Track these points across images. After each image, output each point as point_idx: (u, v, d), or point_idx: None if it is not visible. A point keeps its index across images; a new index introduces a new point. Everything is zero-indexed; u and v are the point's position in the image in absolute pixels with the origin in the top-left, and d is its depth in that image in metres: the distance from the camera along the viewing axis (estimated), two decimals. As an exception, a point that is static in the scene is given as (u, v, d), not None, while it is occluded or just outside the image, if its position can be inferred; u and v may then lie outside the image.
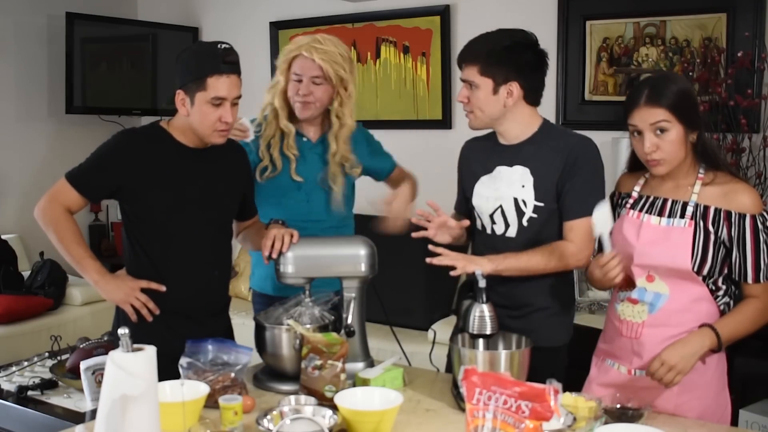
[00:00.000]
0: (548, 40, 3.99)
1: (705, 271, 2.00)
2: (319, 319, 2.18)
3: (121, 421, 1.57)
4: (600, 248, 2.10)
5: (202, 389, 1.88)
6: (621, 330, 2.09)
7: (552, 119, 3.91)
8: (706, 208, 2.00)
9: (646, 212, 2.07)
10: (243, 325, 3.02)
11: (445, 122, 4.55)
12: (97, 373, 2.16)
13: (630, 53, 3.93)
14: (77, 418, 2.23)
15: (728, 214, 1.98)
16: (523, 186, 2.21)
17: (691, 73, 3.57)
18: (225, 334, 2.38)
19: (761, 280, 1.99)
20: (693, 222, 2.00)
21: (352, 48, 4.76)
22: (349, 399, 1.84)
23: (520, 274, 2.17)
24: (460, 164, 2.41)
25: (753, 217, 1.97)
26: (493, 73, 2.15)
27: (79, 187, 2.26)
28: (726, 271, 2.03)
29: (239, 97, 2.22)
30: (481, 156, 2.32)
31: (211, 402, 1.90)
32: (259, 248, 2.30)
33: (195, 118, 2.20)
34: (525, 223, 2.22)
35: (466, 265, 2.10)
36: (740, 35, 3.57)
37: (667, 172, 2.04)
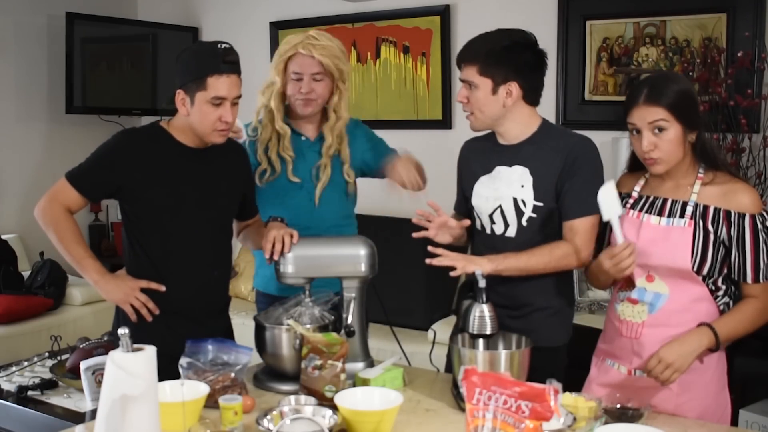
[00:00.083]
0: (548, 40, 3.99)
1: (705, 271, 2.00)
2: (319, 319, 2.18)
3: (121, 421, 1.57)
4: (607, 241, 2.10)
5: (202, 389, 1.88)
6: (621, 330, 2.09)
7: (552, 119, 3.91)
8: (706, 207, 2.00)
9: (646, 212, 2.07)
10: (243, 325, 3.02)
11: (445, 122, 4.55)
12: (97, 373, 2.16)
13: (630, 53, 3.93)
14: (77, 418, 2.23)
15: (728, 213, 1.99)
16: (522, 186, 2.21)
17: (691, 73, 3.57)
18: (225, 334, 2.38)
19: (760, 280, 1.99)
20: (693, 222, 2.00)
21: (352, 48, 4.76)
22: (349, 399, 1.84)
23: (520, 274, 2.17)
24: (460, 164, 2.42)
25: (752, 217, 1.97)
26: (492, 73, 2.15)
27: (79, 186, 2.26)
28: (726, 271, 2.03)
29: (239, 96, 2.22)
30: (481, 156, 2.32)
31: (211, 402, 1.90)
32: (260, 247, 2.30)
33: (195, 118, 2.20)
34: (524, 223, 2.22)
35: (465, 265, 2.10)
36: (740, 35, 3.57)
37: (665, 171, 2.04)
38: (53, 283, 4.56)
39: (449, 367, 2.31)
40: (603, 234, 2.19)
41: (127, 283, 2.26)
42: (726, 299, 2.04)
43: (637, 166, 2.14)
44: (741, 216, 1.98)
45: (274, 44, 4.99)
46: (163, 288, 2.26)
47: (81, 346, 2.51)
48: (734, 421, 2.58)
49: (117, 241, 5.39)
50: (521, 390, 1.50)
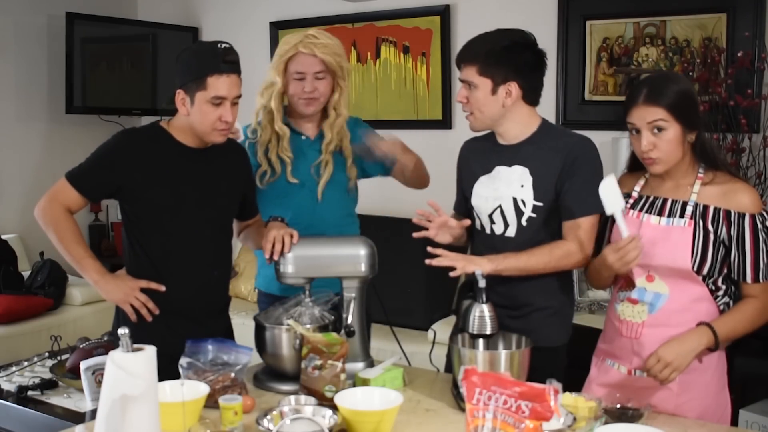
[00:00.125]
0: (548, 40, 3.99)
1: (705, 271, 2.00)
2: (319, 319, 2.18)
3: (121, 421, 1.57)
4: (607, 239, 2.10)
5: (202, 389, 1.88)
6: (621, 330, 2.09)
7: (552, 119, 3.91)
8: (706, 207, 2.00)
9: (646, 212, 2.07)
10: (243, 325, 3.02)
11: (445, 122, 4.55)
12: (97, 373, 2.16)
13: (630, 53, 3.93)
14: (77, 418, 2.23)
15: (728, 213, 1.99)
16: (522, 186, 2.21)
17: (691, 73, 3.57)
18: (225, 334, 2.38)
19: (760, 280, 1.99)
20: (693, 221, 2.00)
21: (352, 48, 4.76)
22: (349, 399, 1.84)
23: (520, 274, 2.17)
24: (459, 164, 2.41)
25: (752, 217, 1.97)
26: (491, 73, 2.15)
27: (79, 186, 2.26)
28: (726, 270, 2.03)
29: (239, 96, 2.22)
30: (480, 156, 2.32)
31: (211, 402, 1.90)
32: (261, 247, 2.30)
33: (195, 118, 2.20)
34: (524, 222, 2.21)
35: (465, 265, 2.10)
36: (740, 35, 3.57)
37: (665, 171, 2.04)
38: (53, 283, 4.56)
39: (449, 367, 2.31)
40: (602, 234, 2.19)
41: (127, 283, 2.26)
42: (726, 299, 2.04)
43: (637, 166, 2.14)
44: (741, 216, 1.98)
45: (274, 44, 4.98)
46: (163, 288, 2.26)
47: (81, 346, 2.51)
48: (734, 421, 2.58)
49: (117, 241, 5.39)
50: (521, 390, 1.50)
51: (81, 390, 2.24)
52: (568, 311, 2.35)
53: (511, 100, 2.18)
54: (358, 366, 2.20)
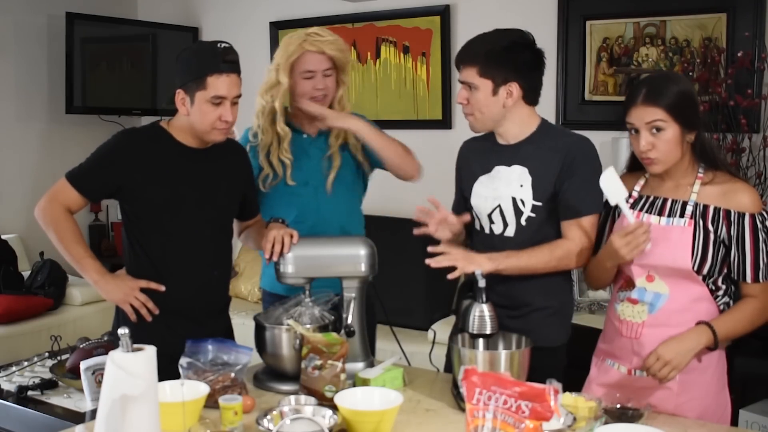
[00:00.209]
0: (548, 40, 3.99)
1: (705, 271, 2.00)
2: (319, 319, 2.18)
3: (121, 421, 1.57)
4: (606, 238, 2.10)
5: (202, 389, 1.88)
6: (621, 330, 2.09)
7: (552, 119, 3.91)
8: (706, 207, 2.00)
9: (646, 212, 2.07)
10: (243, 325, 3.01)
11: (445, 122, 4.55)
12: (97, 373, 2.16)
13: (630, 53, 3.93)
14: (77, 418, 2.23)
15: (728, 213, 1.99)
16: (521, 185, 2.21)
17: (691, 73, 3.58)
18: (225, 334, 2.38)
19: (760, 280, 1.99)
20: (693, 221, 2.00)
21: (352, 48, 4.76)
22: (349, 399, 1.84)
23: (521, 273, 2.17)
24: (459, 164, 2.41)
25: (752, 216, 1.97)
26: (492, 74, 2.15)
27: (79, 186, 2.26)
28: (726, 270, 2.03)
29: (239, 96, 2.22)
30: (480, 156, 2.32)
31: (211, 402, 1.90)
32: (261, 248, 2.30)
33: (195, 118, 2.21)
34: (523, 222, 2.21)
35: (465, 265, 2.10)
36: (740, 35, 3.57)
37: (665, 171, 2.04)
38: (53, 283, 4.56)
39: (449, 367, 2.31)
40: (602, 233, 2.19)
41: (126, 283, 2.27)
42: (726, 299, 2.04)
43: (637, 166, 2.14)
44: (741, 215, 1.98)
45: (274, 44, 4.99)
46: (162, 288, 2.26)
47: (81, 346, 2.51)
48: (734, 421, 2.58)
49: (117, 241, 5.39)
50: (521, 390, 1.50)
51: (81, 390, 2.24)
52: (568, 311, 2.35)
53: (512, 100, 2.17)
54: (358, 366, 2.20)
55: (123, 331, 1.60)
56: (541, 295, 2.24)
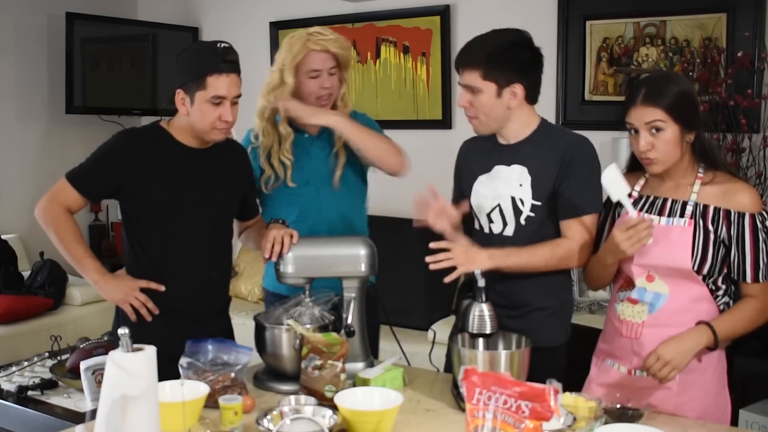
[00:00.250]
0: (548, 40, 3.99)
1: (705, 271, 2.00)
2: (319, 319, 2.18)
3: (121, 421, 1.57)
4: (606, 236, 2.10)
5: (202, 389, 1.88)
6: (621, 330, 2.09)
7: (552, 119, 3.91)
8: (706, 207, 2.00)
9: (646, 212, 2.07)
10: (243, 325, 3.02)
11: (445, 122, 4.55)
12: (97, 373, 2.16)
13: (630, 53, 3.94)
14: (77, 418, 2.23)
15: (728, 213, 1.99)
16: (520, 185, 2.21)
17: (691, 73, 3.58)
18: (225, 334, 2.38)
19: (760, 280, 1.99)
20: (693, 221, 2.00)
21: (352, 48, 4.76)
22: (349, 399, 1.84)
23: (521, 271, 2.17)
24: (459, 164, 2.41)
25: (752, 216, 1.97)
26: (495, 76, 2.14)
27: (80, 186, 2.26)
28: (726, 270, 2.03)
29: (239, 96, 2.22)
30: (480, 155, 2.32)
31: (211, 402, 1.90)
32: (261, 248, 2.30)
33: (195, 118, 2.21)
34: (522, 221, 2.21)
35: (465, 263, 2.10)
36: (740, 35, 3.57)
37: (664, 171, 2.04)
38: (53, 283, 4.56)
39: (449, 367, 2.31)
40: (602, 233, 2.19)
41: (126, 283, 2.27)
42: (726, 299, 2.04)
43: (637, 166, 2.13)
44: (741, 215, 1.98)
45: (274, 44, 4.99)
46: (162, 288, 2.26)
47: (81, 346, 2.51)
48: (734, 421, 2.58)
49: (117, 241, 5.39)
50: (521, 390, 1.50)
51: (81, 390, 2.24)
52: (567, 311, 2.35)
53: (516, 101, 2.17)
54: (358, 366, 2.20)
55: (123, 331, 1.60)
56: (541, 294, 2.24)
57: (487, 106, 2.17)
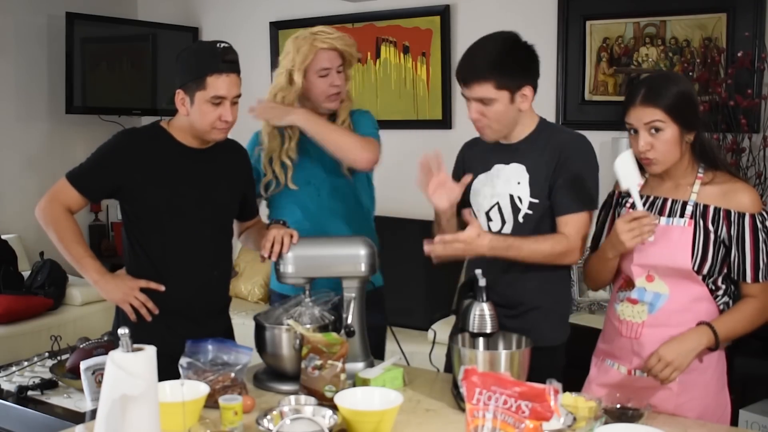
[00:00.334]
0: (548, 40, 4.00)
1: (705, 271, 2.00)
2: (319, 319, 2.18)
3: (121, 421, 1.57)
4: (606, 234, 2.10)
5: (202, 389, 1.88)
6: (621, 330, 2.09)
7: (552, 119, 3.91)
8: (706, 207, 2.00)
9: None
10: (243, 325, 3.02)
11: (445, 122, 4.55)
12: (97, 373, 2.16)
13: (630, 53, 3.94)
14: (77, 418, 2.23)
15: (728, 213, 1.99)
16: (518, 183, 2.21)
17: (691, 73, 3.58)
18: (225, 334, 2.38)
19: (760, 280, 1.99)
20: (693, 221, 2.00)
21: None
22: (349, 399, 1.84)
23: (519, 260, 2.16)
24: (458, 165, 2.41)
25: (752, 216, 1.97)
26: (507, 84, 2.13)
27: (80, 186, 2.26)
28: (726, 270, 2.03)
29: (239, 96, 2.22)
30: (480, 155, 2.32)
31: (211, 402, 1.90)
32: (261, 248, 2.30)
33: (195, 118, 2.21)
34: (521, 219, 2.22)
35: (466, 249, 2.09)
36: (740, 35, 3.57)
37: (662, 171, 2.04)
38: (53, 283, 4.56)
39: (449, 367, 2.31)
40: (601, 233, 2.19)
41: (126, 283, 2.27)
42: (726, 299, 2.04)
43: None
44: (741, 215, 1.98)
45: (274, 44, 4.99)
46: (162, 288, 2.26)
47: (81, 346, 2.51)
48: (734, 421, 2.58)
49: (117, 241, 5.39)
50: (521, 390, 1.50)
51: (81, 390, 2.24)
52: (566, 311, 2.35)
53: (527, 103, 2.18)
54: (358, 366, 2.20)
55: (123, 331, 1.60)
56: (539, 294, 2.24)
57: (502, 113, 2.16)
